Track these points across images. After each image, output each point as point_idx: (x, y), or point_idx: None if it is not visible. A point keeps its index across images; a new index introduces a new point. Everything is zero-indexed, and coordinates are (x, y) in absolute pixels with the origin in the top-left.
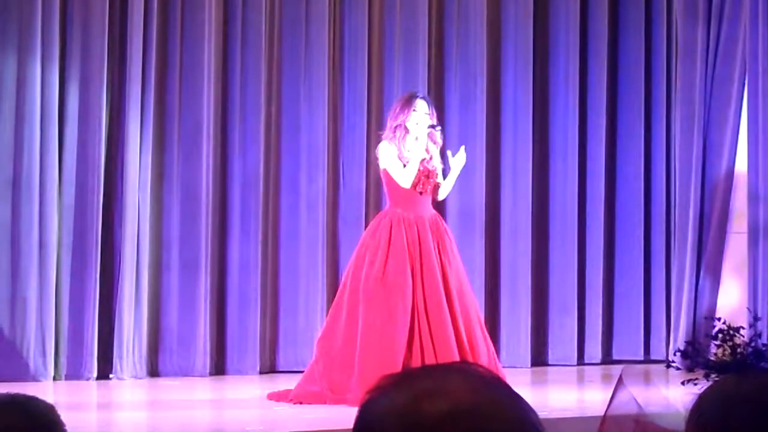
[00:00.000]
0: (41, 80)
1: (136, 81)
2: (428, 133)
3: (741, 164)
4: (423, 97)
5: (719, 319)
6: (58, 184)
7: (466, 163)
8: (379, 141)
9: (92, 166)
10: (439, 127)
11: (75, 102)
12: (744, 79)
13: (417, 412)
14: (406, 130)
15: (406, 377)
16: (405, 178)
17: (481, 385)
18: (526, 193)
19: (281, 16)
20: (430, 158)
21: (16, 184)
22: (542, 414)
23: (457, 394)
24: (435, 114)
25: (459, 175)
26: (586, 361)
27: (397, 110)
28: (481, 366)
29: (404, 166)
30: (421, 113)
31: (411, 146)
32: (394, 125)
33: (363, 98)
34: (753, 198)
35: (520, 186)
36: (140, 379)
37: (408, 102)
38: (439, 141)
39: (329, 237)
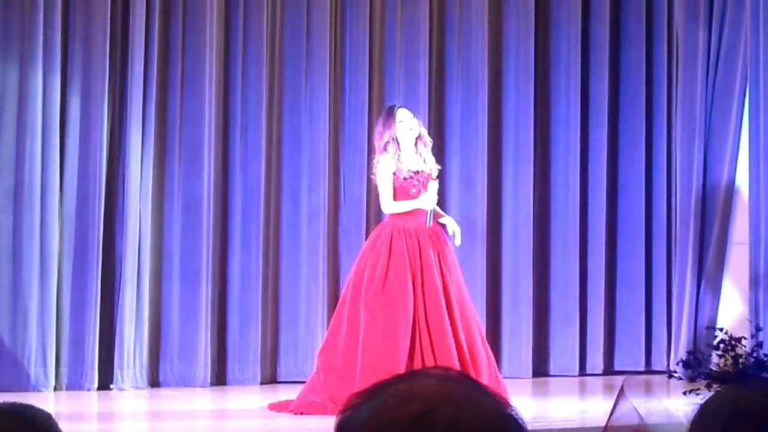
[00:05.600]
0: (43, 91)
1: (138, 92)
2: (417, 137)
3: (742, 174)
4: (403, 106)
5: (721, 330)
6: (59, 195)
7: (468, 172)
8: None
9: (93, 177)
10: (434, 170)
11: (76, 113)
12: (745, 88)
13: (390, 418)
14: (398, 143)
15: (374, 389)
16: (388, 204)
17: (449, 382)
18: (527, 203)
19: (282, 28)
20: (424, 159)
21: (18, 194)
22: (544, 425)
23: (426, 395)
24: (420, 119)
25: (461, 187)
26: (587, 372)
27: (381, 128)
28: (446, 367)
29: (404, 179)
30: (407, 119)
31: (407, 158)
32: (383, 143)
33: (364, 109)
34: (753, 209)
35: (522, 196)
36: (141, 389)
37: (389, 116)
38: (429, 141)
39: (330, 247)
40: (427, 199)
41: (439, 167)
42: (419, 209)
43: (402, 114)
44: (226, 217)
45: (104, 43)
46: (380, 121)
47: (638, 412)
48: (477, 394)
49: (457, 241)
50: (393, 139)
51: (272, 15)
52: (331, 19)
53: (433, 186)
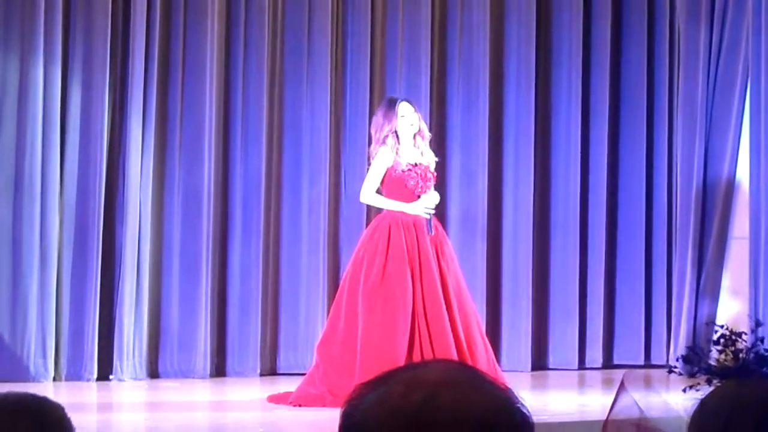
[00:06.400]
0: (44, 82)
1: (139, 84)
2: (416, 132)
3: (743, 169)
4: (405, 99)
5: (722, 326)
6: (59, 186)
7: (469, 168)
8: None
9: (94, 168)
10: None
11: (77, 104)
12: (746, 84)
13: (396, 404)
14: (397, 137)
15: (380, 379)
16: (367, 195)
17: (455, 371)
18: (527, 197)
19: (284, 21)
20: (421, 155)
21: (18, 185)
22: (543, 418)
23: (432, 382)
24: (420, 113)
25: (461, 182)
26: (587, 366)
27: (381, 120)
28: (452, 360)
29: (402, 171)
30: (409, 114)
31: (406, 151)
32: (383, 136)
33: (365, 103)
34: (754, 203)
35: (522, 191)
36: (140, 380)
37: (390, 109)
38: (428, 135)
39: (330, 240)
40: (414, 206)
41: (437, 159)
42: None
43: (404, 108)
44: (227, 209)
45: (105, 35)
46: (381, 113)
47: (639, 406)
48: (482, 383)
49: (435, 199)
50: (393, 132)
51: (274, 11)
52: (332, 14)
53: (427, 198)
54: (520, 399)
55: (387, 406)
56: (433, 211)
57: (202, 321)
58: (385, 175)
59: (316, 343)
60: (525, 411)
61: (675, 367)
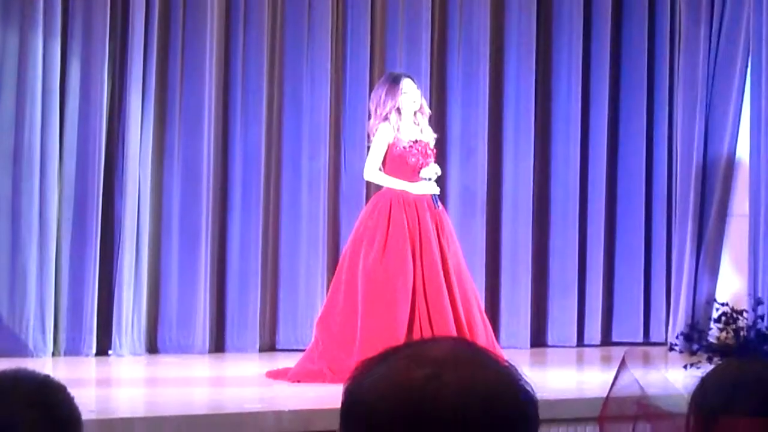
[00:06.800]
0: (43, 54)
1: (138, 55)
2: (417, 109)
3: (743, 145)
4: (407, 76)
5: (724, 304)
6: (58, 159)
7: (468, 142)
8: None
9: (93, 141)
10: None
11: (76, 76)
12: (747, 62)
13: (401, 380)
14: (399, 113)
15: (384, 355)
16: (370, 172)
17: (461, 348)
18: (527, 175)
19: None
20: (421, 131)
21: (17, 157)
22: (541, 395)
23: (438, 358)
24: (420, 89)
25: (461, 157)
26: (585, 343)
27: (384, 96)
28: (456, 337)
29: (404, 148)
30: (412, 91)
31: (406, 128)
32: (385, 112)
33: (365, 77)
34: (754, 181)
35: (522, 168)
36: (139, 355)
37: (394, 85)
38: (427, 112)
39: (330, 216)
40: (418, 186)
41: (436, 135)
42: (419, 181)
43: (407, 85)
44: (226, 183)
45: (105, 5)
46: (383, 88)
47: (639, 384)
48: (486, 360)
49: (437, 170)
50: (396, 109)
51: None
52: None
53: (428, 170)
54: (523, 376)
55: (390, 382)
56: (438, 190)
57: (201, 296)
58: (386, 152)
59: (316, 319)
60: (529, 388)
61: (675, 344)
